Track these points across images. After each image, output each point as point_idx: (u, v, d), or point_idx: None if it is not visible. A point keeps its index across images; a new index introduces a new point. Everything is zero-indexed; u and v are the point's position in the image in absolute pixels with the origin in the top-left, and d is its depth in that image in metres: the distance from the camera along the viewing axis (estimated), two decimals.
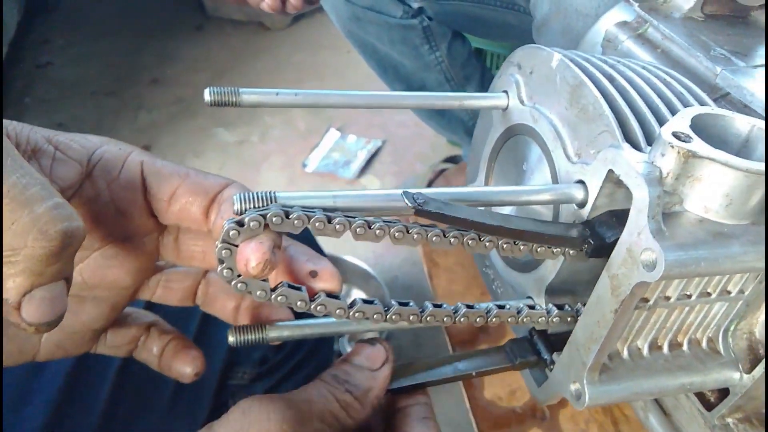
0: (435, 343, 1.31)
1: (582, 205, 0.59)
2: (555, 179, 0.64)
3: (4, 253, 0.44)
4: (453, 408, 1.80)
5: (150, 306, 0.92)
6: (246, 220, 0.50)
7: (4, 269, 0.45)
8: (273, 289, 0.56)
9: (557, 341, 0.67)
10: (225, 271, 0.54)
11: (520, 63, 0.70)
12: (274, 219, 0.51)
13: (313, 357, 1.22)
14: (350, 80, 3.53)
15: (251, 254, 0.50)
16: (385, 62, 2.05)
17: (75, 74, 3.82)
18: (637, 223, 0.51)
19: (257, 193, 0.52)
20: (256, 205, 0.51)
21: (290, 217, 0.51)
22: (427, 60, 1.97)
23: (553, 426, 1.05)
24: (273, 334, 0.63)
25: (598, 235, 0.57)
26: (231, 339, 0.61)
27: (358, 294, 2.42)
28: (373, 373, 0.62)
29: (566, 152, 0.62)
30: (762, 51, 0.74)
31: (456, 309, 0.62)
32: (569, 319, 0.65)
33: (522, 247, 0.59)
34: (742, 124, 0.56)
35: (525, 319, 0.64)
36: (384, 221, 0.54)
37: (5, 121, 0.54)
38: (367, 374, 0.62)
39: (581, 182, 0.59)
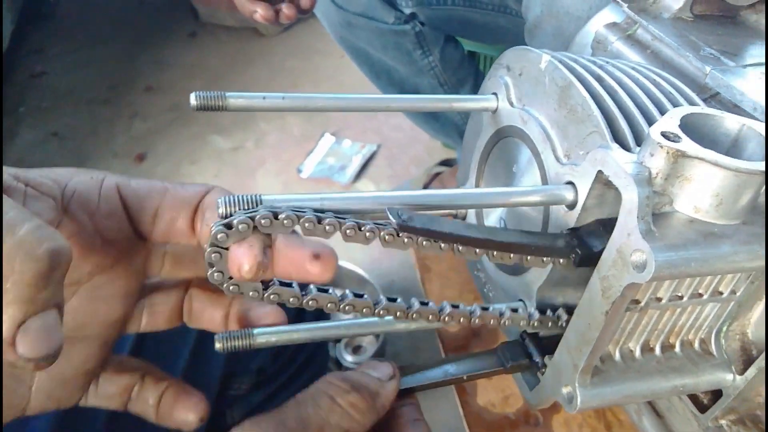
0: (432, 346, 1.31)
1: (572, 206, 0.58)
2: (545, 181, 0.63)
3: None
4: (446, 414, 1.79)
5: (141, 340, 0.87)
6: (234, 222, 0.50)
7: None
8: (265, 288, 0.56)
9: (549, 344, 0.66)
10: (216, 274, 0.53)
11: (509, 65, 0.69)
12: (263, 221, 0.50)
13: (309, 365, 1.21)
14: (345, 85, 3.52)
15: (243, 258, 0.50)
16: (377, 68, 2.05)
17: (69, 83, 3.81)
18: (627, 224, 0.50)
19: (242, 196, 0.51)
20: (242, 208, 0.51)
21: (279, 217, 0.50)
22: (420, 65, 1.96)
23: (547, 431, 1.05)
24: (260, 339, 0.62)
25: (586, 245, 0.57)
26: (218, 345, 0.61)
27: None
28: (382, 382, 0.62)
29: (555, 153, 0.61)
30: (752, 50, 0.73)
31: (441, 308, 0.62)
32: (550, 323, 0.65)
33: (512, 256, 0.59)
34: (732, 124, 0.55)
35: (507, 322, 0.63)
36: (375, 224, 0.54)
37: None
38: (375, 381, 0.62)
39: (571, 183, 0.58)
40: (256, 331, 0.62)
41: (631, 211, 0.50)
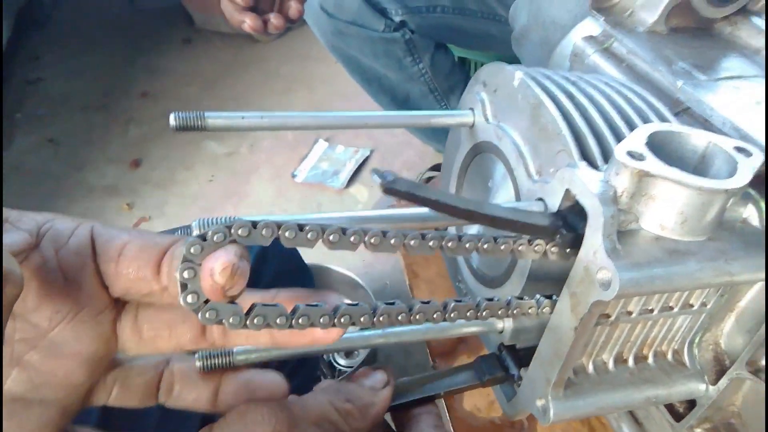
0: (422, 350, 1.32)
1: None
2: (518, 196, 0.64)
3: None
4: None
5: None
6: (209, 233, 0.47)
7: None
8: (247, 313, 0.51)
9: (525, 356, 0.67)
10: (189, 296, 0.48)
11: (486, 81, 0.70)
12: (240, 230, 0.47)
13: (298, 372, 1.22)
14: (338, 90, 3.54)
15: (215, 262, 0.46)
16: (369, 75, 2.06)
17: (65, 89, 3.82)
18: (593, 242, 0.51)
19: (218, 218, 0.51)
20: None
21: (258, 227, 0.48)
22: (411, 72, 1.98)
23: None
24: (240, 357, 0.63)
25: (571, 226, 0.56)
26: (198, 364, 0.60)
27: None
28: (375, 391, 0.62)
29: (528, 170, 0.62)
30: (725, 63, 0.74)
31: (411, 306, 0.57)
32: (530, 309, 0.60)
33: (503, 247, 0.56)
34: (699, 140, 0.56)
35: (485, 312, 0.59)
36: (359, 228, 0.51)
37: None
38: (368, 391, 0.62)
39: (542, 200, 0.59)
40: (236, 349, 0.62)
41: (596, 230, 0.51)
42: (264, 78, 3.82)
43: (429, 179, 2.55)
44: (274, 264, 1.21)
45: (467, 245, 0.55)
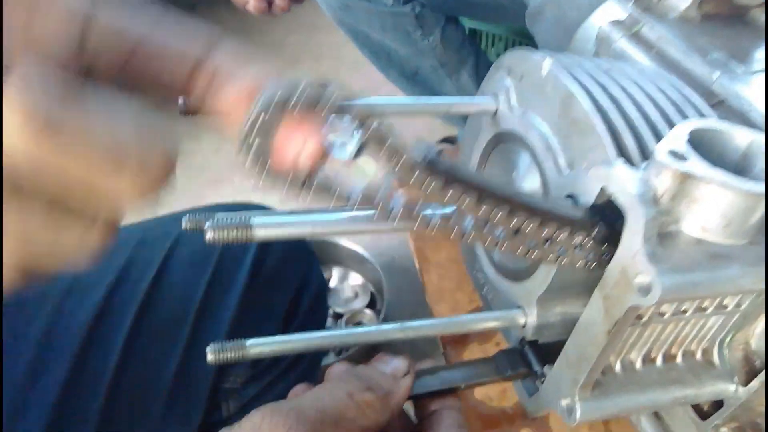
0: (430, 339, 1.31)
1: None
2: (546, 190, 0.62)
3: None
4: None
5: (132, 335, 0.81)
6: (292, 102, 0.39)
7: None
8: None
9: (549, 353, 0.65)
10: (260, 159, 0.42)
11: (511, 67, 0.67)
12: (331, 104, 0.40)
13: (305, 356, 1.20)
14: (346, 61, 3.49)
15: (304, 146, 0.42)
16: (377, 49, 2.03)
17: None
18: (632, 244, 0.49)
19: (231, 218, 0.49)
20: (231, 234, 0.49)
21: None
22: (420, 46, 1.94)
23: (543, 425, 1.04)
24: (253, 351, 0.61)
25: (608, 220, 0.53)
26: (210, 357, 0.59)
27: (355, 278, 2.41)
28: (396, 380, 0.61)
29: (557, 164, 0.60)
30: (760, 54, 0.71)
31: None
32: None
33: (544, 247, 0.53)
34: (741, 138, 0.54)
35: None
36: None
37: None
38: (389, 379, 0.60)
39: (571, 197, 0.57)
40: (248, 342, 0.60)
41: (636, 232, 0.48)
42: (270, 48, 3.76)
43: (439, 152, 2.51)
44: (279, 247, 1.18)
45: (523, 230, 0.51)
